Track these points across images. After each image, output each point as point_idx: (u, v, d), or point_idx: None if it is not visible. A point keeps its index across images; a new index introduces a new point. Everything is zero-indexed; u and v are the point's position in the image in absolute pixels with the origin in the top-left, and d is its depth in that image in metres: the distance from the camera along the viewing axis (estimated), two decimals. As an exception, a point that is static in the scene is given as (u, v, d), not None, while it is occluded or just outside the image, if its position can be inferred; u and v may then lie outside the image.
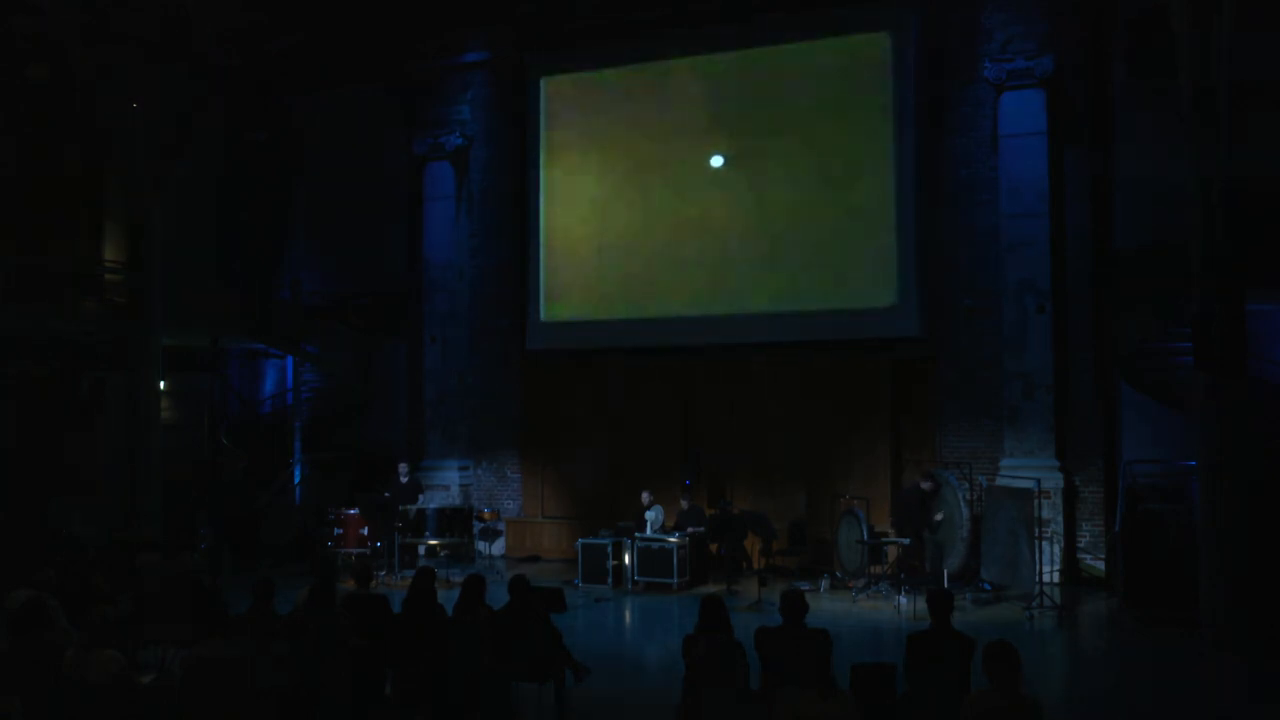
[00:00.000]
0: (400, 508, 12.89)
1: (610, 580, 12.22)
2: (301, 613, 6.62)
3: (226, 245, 17.12)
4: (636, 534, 12.36)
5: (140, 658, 7.12)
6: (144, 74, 13.61)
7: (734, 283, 13.91)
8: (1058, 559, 11.88)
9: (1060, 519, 11.96)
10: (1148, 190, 11.74)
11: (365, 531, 13.23)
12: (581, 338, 14.88)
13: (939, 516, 11.26)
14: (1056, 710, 7.13)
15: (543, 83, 15.29)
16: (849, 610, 10.80)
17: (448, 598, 7.10)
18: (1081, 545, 12.29)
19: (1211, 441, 9.33)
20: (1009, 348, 12.49)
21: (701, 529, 12.56)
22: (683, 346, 14.21)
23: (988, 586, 11.36)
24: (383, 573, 12.42)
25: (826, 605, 10.84)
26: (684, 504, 12.82)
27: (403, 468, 13.60)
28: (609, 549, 12.34)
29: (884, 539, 11.77)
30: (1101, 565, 12.09)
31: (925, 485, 11.42)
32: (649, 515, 12.73)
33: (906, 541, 11.26)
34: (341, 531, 13.21)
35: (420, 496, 13.49)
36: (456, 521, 13.08)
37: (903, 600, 10.71)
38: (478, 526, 13.70)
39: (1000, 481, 12.10)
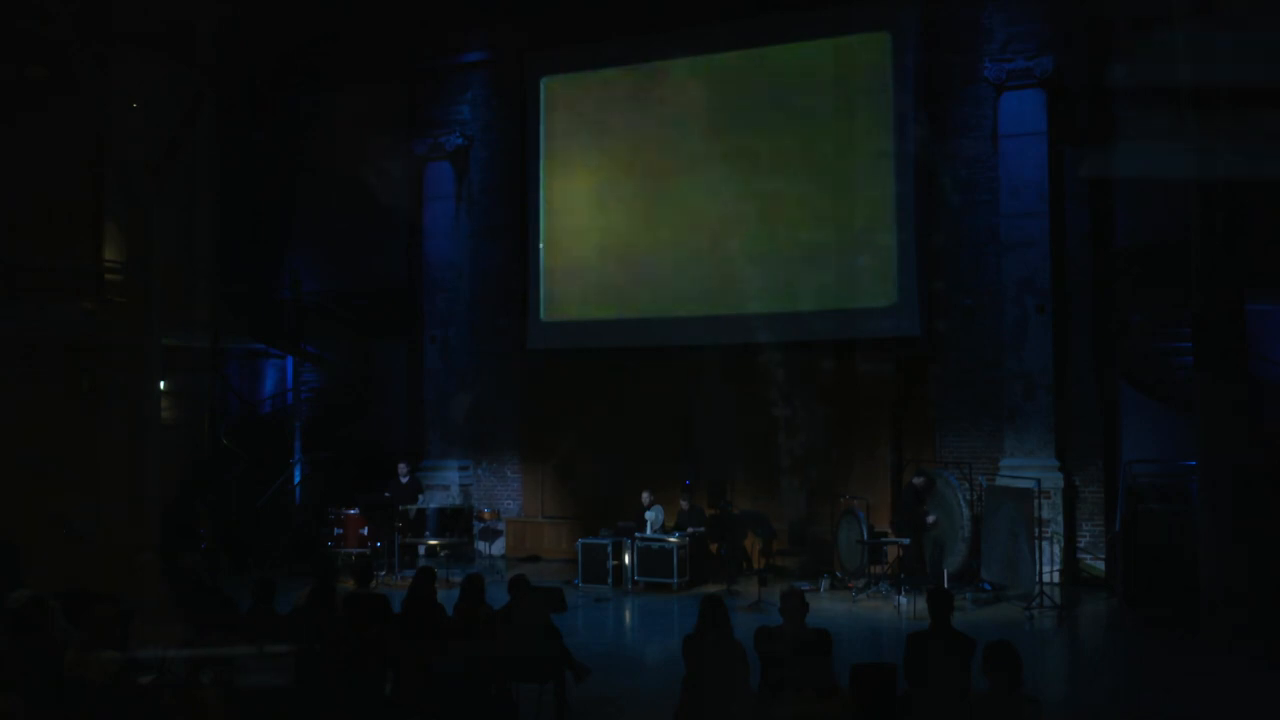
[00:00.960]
0: (400, 508, 12.90)
1: (610, 580, 12.22)
2: (301, 613, 6.63)
3: (226, 245, 17.11)
4: (636, 534, 12.36)
5: (140, 658, 7.11)
6: (144, 74, 13.61)
7: (734, 282, 13.91)
8: (1058, 559, 11.88)
9: (1060, 519, 11.96)
10: (1148, 190, 11.74)
11: (365, 531, 13.23)
12: (581, 338, 14.88)
13: (931, 519, 11.28)
14: (1056, 710, 7.13)
15: (543, 83, 15.29)
16: (849, 610, 10.81)
17: (448, 598, 7.10)
18: (1081, 545, 12.29)
19: (1211, 441, 9.33)
20: (1009, 348, 12.49)
21: (701, 529, 12.56)
22: (683, 346, 14.21)
23: (988, 586, 11.36)
24: (383, 573, 12.43)
25: (826, 605, 10.84)
26: (684, 504, 12.82)
27: (403, 468, 13.60)
28: (609, 549, 12.34)
29: (884, 539, 11.78)
30: (1101, 565, 12.10)
31: (917, 481, 11.48)
32: (649, 515, 12.74)
33: (906, 541, 11.26)
34: (341, 531, 13.21)
35: (420, 496, 13.49)
36: (456, 521, 13.09)
37: (903, 600, 10.71)
38: (478, 526, 13.70)
39: (1000, 481, 12.10)
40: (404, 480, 13.43)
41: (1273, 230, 10.05)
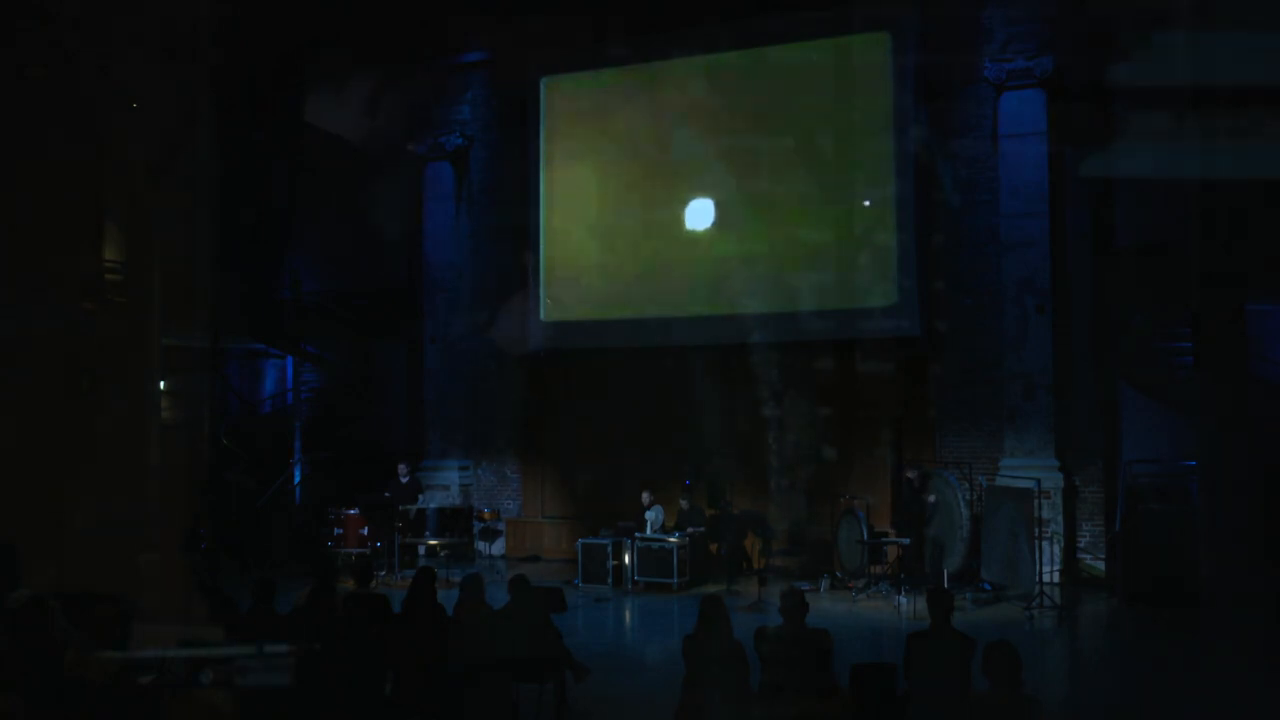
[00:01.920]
0: (400, 508, 12.90)
1: (610, 580, 12.22)
2: (301, 613, 6.63)
3: (226, 245, 17.11)
4: (636, 534, 12.36)
5: (140, 658, 7.11)
6: (144, 74, 13.60)
7: (734, 283, 13.91)
8: (1058, 559, 11.88)
9: (1060, 519, 11.96)
10: (1148, 190, 11.75)
11: (365, 531, 13.23)
12: (582, 338, 14.88)
13: (932, 498, 11.32)
14: (1056, 710, 7.13)
15: (543, 82, 15.29)
16: (849, 610, 10.81)
17: (448, 598, 7.10)
18: (1081, 545, 12.29)
19: (1211, 441, 9.34)
20: (1009, 348, 12.49)
21: (701, 529, 12.56)
22: (683, 346, 14.21)
23: (988, 586, 11.36)
24: (383, 573, 12.42)
25: (826, 605, 10.84)
26: (684, 504, 12.82)
27: (403, 468, 13.60)
28: (609, 549, 12.34)
29: (884, 539, 11.78)
30: (1101, 565, 12.09)
31: (910, 474, 11.53)
32: (649, 515, 12.74)
33: (906, 541, 11.27)
34: (341, 531, 13.20)
35: (420, 496, 13.49)
36: (456, 521, 13.08)
37: (903, 600, 10.72)
38: (478, 526, 13.70)
39: (1000, 481, 12.10)
40: (404, 480, 13.43)
41: (1273, 230, 10.05)
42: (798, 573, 12.61)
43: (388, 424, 16.17)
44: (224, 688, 5.43)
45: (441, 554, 13.08)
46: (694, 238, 14.16)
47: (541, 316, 15.10)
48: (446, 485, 15.25)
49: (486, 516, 13.99)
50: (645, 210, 14.53)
